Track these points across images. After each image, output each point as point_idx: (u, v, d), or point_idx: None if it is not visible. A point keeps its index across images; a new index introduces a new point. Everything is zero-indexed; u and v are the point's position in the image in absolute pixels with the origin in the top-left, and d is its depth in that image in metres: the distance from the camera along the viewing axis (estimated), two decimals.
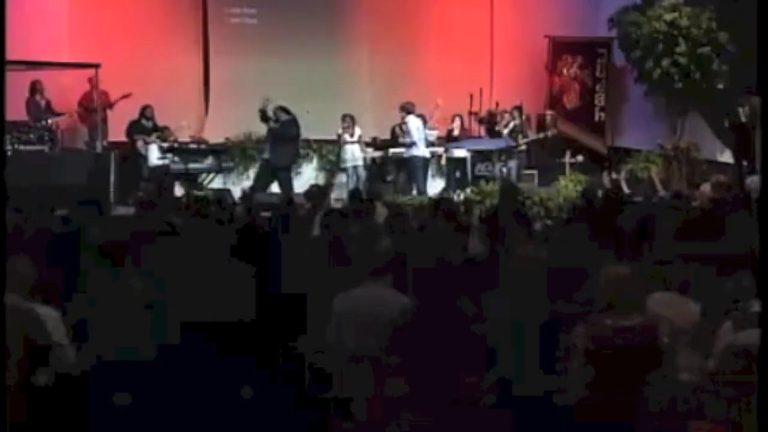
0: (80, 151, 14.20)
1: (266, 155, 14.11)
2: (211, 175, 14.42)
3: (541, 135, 15.07)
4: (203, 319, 4.91)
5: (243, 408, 4.90)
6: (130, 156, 13.94)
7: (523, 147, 14.73)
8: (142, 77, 14.37)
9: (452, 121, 15.35)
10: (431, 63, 16.11)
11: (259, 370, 4.98)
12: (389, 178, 14.89)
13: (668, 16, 14.06)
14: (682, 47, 13.93)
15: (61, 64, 14.10)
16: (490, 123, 15.20)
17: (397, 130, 14.66)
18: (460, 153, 14.66)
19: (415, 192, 14.04)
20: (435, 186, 14.93)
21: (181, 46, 15.49)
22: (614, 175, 14.24)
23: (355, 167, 14.51)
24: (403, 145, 14.45)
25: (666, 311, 4.78)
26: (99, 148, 13.68)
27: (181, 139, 14.27)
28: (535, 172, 14.84)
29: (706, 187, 10.39)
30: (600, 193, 10.43)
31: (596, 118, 15.97)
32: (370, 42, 16.10)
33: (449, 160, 14.84)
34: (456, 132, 15.33)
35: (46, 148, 13.08)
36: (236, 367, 4.85)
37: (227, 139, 15.11)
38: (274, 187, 13.90)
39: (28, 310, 4.70)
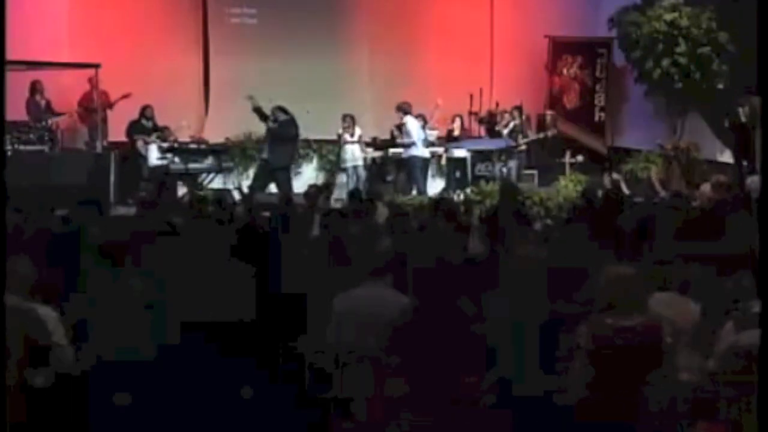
0: (80, 151, 14.20)
1: (264, 155, 14.11)
2: (211, 175, 14.42)
3: (541, 135, 15.07)
4: (203, 319, 4.91)
5: (243, 408, 4.90)
6: (130, 156, 13.95)
7: (523, 147, 14.74)
8: (142, 77, 14.38)
9: (452, 121, 15.36)
10: (431, 63, 16.12)
11: (259, 370, 4.98)
12: (389, 178, 14.89)
13: (668, 16, 14.06)
14: (682, 47, 13.93)
15: (61, 64, 14.11)
16: (490, 123, 15.20)
17: (395, 131, 14.66)
18: (460, 153, 14.66)
19: (414, 192, 14.04)
20: (435, 186, 14.94)
21: (181, 46, 15.50)
22: (614, 176, 14.23)
23: (355, 167, 14.51)
24: (402, 145, 14.45)
25: (666, 311, 4.77)
26: (99, 148, 13.68)
27: (181, 139, 14.27)
28: (535, 172, 14.85)
29: (706, 187, 10.38)
30: (600, 193, 10.43)
31: (596, 118, 15.98)
32: (370, 42, 16.11)
33: (449, 160, 14.84)
34: (456, 132, 15.34)
35: (46, 148, 13.08)
36: (236, 367, 4.85)
37: (227, 139, 15.11)
38: (274, 188, 13.91)
39: (28, 310, 4.70)
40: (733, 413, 4.14)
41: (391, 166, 14.93)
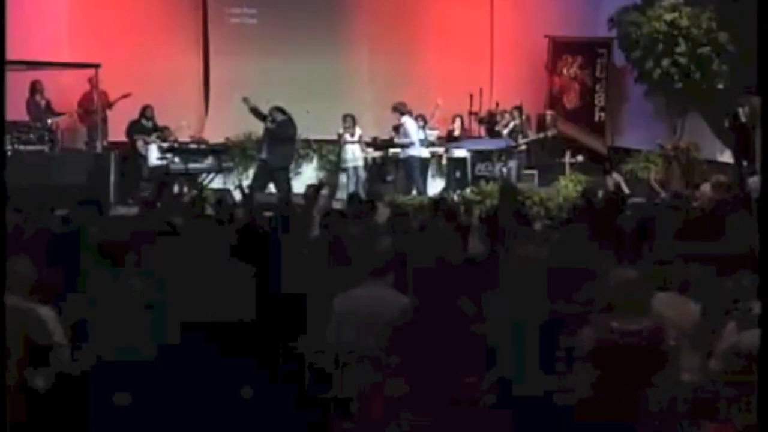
0: (80, 151, 14.20)
1: (263, 156, 14.12)
2: (211, 175, 14.42)
3: (541, 135, 15.07)
4: (203, 319, 4.91)
5: (243, 408, 4.89)
6: (130, 156, 13.95)
7: (523, 147, 14.74)
8: (142, 77, 14.39)
9: (453, 121, 15.37)
10: (431, 63, 16.12)
11: (259, 370, 4.98)
12: (389, 178, 14.90)
13: (668, 16, 14.06)
14: (682, 47, 13.93)
15: (61, 64, 14.12)
16: (490, 123, 15.20)
17: (392, 131, 14.64)
18: (460, 153, 14.67)
19: (414, 192, 14.04)
20: (435, 186, 14.95)
21: (181, 46, 15.51)
22: (615, 176, 14.23)
23: (355, 167, 14.52)
24: (400, 145, 14.45)
25: (667, 311, 4.77)
26: (99, 148, 13.68)
27: (181, 139, 14.27)
28: (535, 172, 14.85)
29: (706, 187, 10.38)
30: (600, 193, 10.43)
31: (596, 118, 15.98)
32: (370, 42, 16.11)
33: (449, 160, 14.85)
34: (457, 132, 15.35)
35: (46, 148, 13.08)
36: (236, 367, 4.85)
37: (227, 139, 15.12)
38: (273, 188, 13.92)
39: (29, 310, 4.70)
40: (734, 413, 4.14)
41: (391, 166, 14.94)
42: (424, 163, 14.64)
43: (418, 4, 16.46)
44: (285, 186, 13.56)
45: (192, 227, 7.32)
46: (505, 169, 14.18)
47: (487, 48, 16.57)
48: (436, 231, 7.30)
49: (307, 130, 14.82)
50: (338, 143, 14.70)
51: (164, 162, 13.82)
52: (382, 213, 8.94)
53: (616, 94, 15.96)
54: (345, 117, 14.43)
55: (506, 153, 14.36)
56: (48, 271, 5.23)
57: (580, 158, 15.25)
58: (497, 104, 15.43)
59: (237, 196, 10.70)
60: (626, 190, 13.11)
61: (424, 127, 14.66)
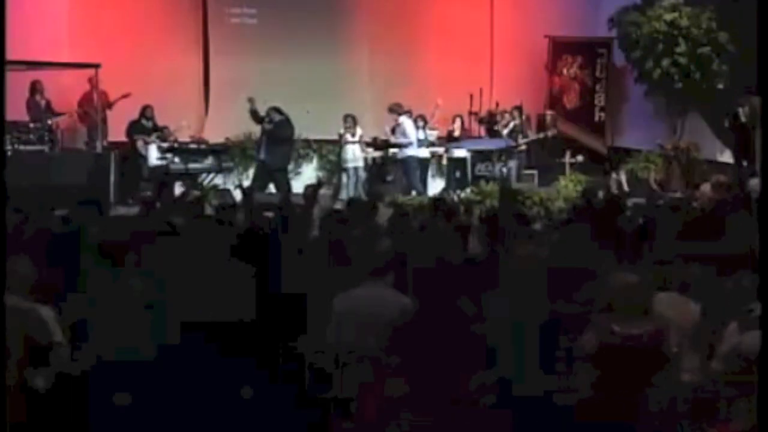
0: (80, 151, 14.20)
1: (262, 156, 14.13)
2: (211, 175, 14.42)
3: (541, 135, 15.07)
4: (203, 319, 4.91)
5: (243, 408, 4.89)
6: (130, 156, 13.94)
7: (523, 147, 14.74)
8: (142, 77, 14.38)
9: (453, 121, 15.36)
10: (431, 63, 16.12)
11: (259, 370, 4.98)
12: (389, 178, 14.89)
13: (668, 16, 14.07)
14: (682, 47, 13.93)
15: (61, 64, 14.12)
16: (490, 123, 15.20)
17: (387, 131, 14.64)
18: (460, 153, 14.67)
19: (414, 192, 14.04)
20: (435, 186, 14.95)
21: (181, 46, 15.51)
22: (615, 176, 14.23)
23: (355, 168, 14.52)
24: (398, 145, 14.46)
25: (668, 311, 4.77)
26: (99, 148, 13.68)
27: (181, 139, 14.27)
28: (535, 172, 14.85)
29: (706, 187, 10.38)
30: (600, 193, 10.43)
31: (596, 118, 15.98)
32: (370, 42, 16.11)
33: (449, 160, 14.85)
34: (457, 132, 15.34)
35: (46, 148, 13.08)
36: (236, 367, 4.85)
37: (227, 139, 15.12)
38: (273, 188, 13.92)
39: (30, 310, 4.70)
40: (734, 414, 4.14)
41: (390, 167, 14.93)
42: (423, 163, 14.64)
43: (418, 4, 16.45)
44: (285, 186, 13.56)
45: (192, 227, 7.32)
46: (505, 169, 14.17)
47: (487, 48, 16.57)
48: (436, 231, 7.30)
49: (307, 130, 14.81)
50: (338, 143, 14.70)
51: (164, 162, 13.82)
52: (384, 213, 8.93)
53: (616, 94, 15.96)
54: (346, 117, 14.43)
55: (506, 153, 14.36)
56: (48, 271, 5.23)
57: (580, 158, 15.25)
58: (497, 104, 15.42)
59: (237, 195, 10.71)
60: (626, 188, 13.12)
61: (424, 127, 14.66)
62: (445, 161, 15.08)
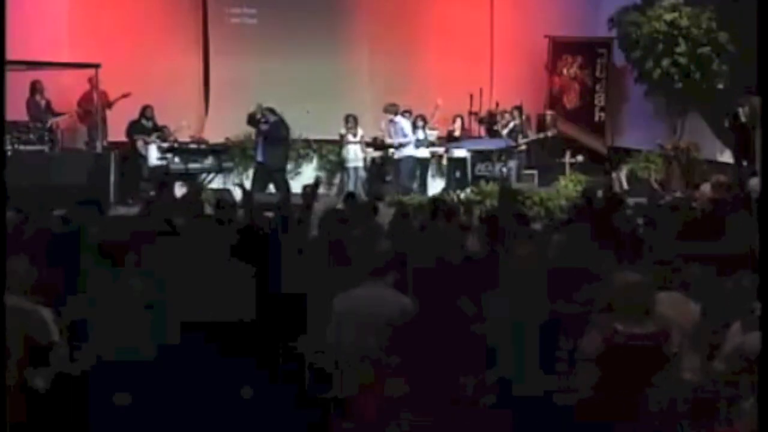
0: (80, 151, 14.20)
1: (259, 158, 14.13)
2: (211, 175, 14.42)
3: (541, 135, 15.07)
4: (203, 319, 4.91)
5: (243, 408, 4.89)
6: (130, 156, 13.95)
7: (523, 147, 14.74)
8: (142, 77, 14.39)
9: (453, 121, 15.36)
10: (431, 63, 16.13)
11: (259, 370, 4.98)
12: (389, 178, 14.90)
13: (668, 16, 14.07)
14: (682, 47, 13.93)
15: (61, 64, 14.12)
16: (490, 123, 15.19)
17: (382, 126, 14.63)
18: (460, 153, 14.66)
19: (413, 192, 14.04)
20: (435, 186, 14.95)
21: (181, 46, 15.51)
22: (615, 175, 14.23)
23: (356, 168, 14.53)
24: (394, 146, 14.46)
25: (667, 311, 4.77)
26: (99, 148, 13.68)
27: (181, 139, 14.28)
28: (535, 172, 14.86)
29: (706, 187, 10.39)
30: (600, 193, 10.42)
31: (596, 118, 15.98)
32: (370, 42, 16.11)
33: (449, 160, 14.85)
34: (457, 132, 15.34)
35: (46, 148, 13.09)
36: (236, 367, 4.85)
37: (227, 139, 15.12)
38: (273, 188, 13.92)
39: (29, 310, 4.70)
40: (735, 414, 4.14)
41: (390, 166, 14.94)
42: (423, 163, 14.65)
43: (418, 4, 16.46)
44: (284, 186, 13.56)
45: (192, 227, 7.31)
46: (505, 169, 14.17)
47: (487, 48, 16.57)
48: (436, 231, 7.30)
49: (307, 130, 14.82)
50: (339, 143, 14.69)
51: (164, 162, 13.82)
52: (384, 213, 8.93)
53: (616, 94, 15.96)
54: (347, 117, 14.45)
55: (506, 153, 14.35)
56: (48, 271, 5.23)
57: (580, 158, 15.26)
58: (497, 104, 15.42)
59: (237, 195, 10.69)
60: (625, 186, 13.12)
61: (424, 127, 14.66)
62: (445, 161, 15.08)
